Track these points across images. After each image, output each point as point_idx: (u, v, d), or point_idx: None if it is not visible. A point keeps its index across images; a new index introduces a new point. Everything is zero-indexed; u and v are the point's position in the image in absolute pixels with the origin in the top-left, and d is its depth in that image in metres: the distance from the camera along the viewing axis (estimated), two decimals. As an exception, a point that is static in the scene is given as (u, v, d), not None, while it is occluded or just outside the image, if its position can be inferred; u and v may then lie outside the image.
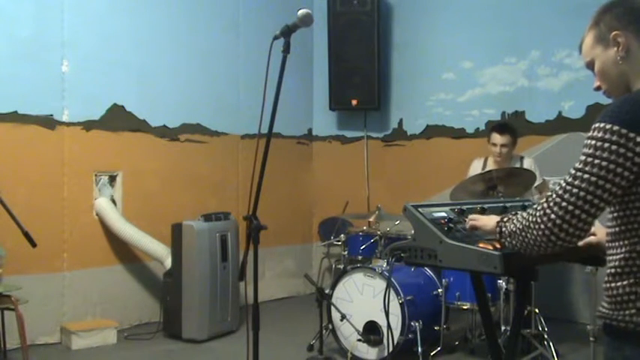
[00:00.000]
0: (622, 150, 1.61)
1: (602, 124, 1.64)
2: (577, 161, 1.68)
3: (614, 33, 1.78)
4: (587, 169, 1.64)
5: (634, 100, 1.67)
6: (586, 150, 1.66)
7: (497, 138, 4.91)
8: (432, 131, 6.56)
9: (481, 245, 2.03)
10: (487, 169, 5.03)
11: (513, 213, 1.95)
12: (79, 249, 5.30)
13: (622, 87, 1.78)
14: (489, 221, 1.98)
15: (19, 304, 3.98)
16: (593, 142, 1.65)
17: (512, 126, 5.13)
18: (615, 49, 1.78)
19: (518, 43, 6.00)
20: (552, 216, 1.67)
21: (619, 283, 1.71)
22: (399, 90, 6.80)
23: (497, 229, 1.90)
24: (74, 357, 4.86)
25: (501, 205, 2.49)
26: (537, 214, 1.71)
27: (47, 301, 5.07)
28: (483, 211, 2.37)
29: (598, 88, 1.87)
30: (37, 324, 4.90)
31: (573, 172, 1.67)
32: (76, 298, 5.27)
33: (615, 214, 1.72)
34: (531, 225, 1.72)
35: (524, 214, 1.78)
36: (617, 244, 1.72)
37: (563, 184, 1.68)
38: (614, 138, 1.61)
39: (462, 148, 6.23)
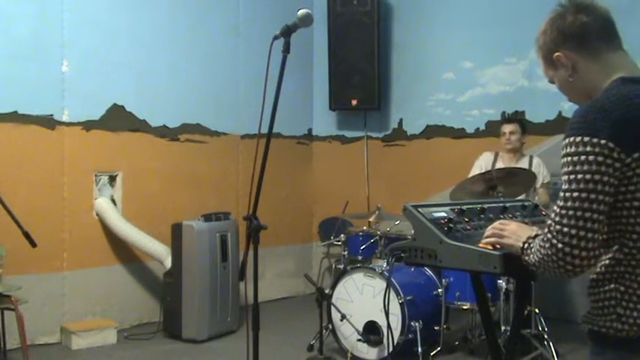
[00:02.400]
0: (600, 158, 1.59)
1: (572, 139, 1.64)
2: (563, 183, 1.65)
3: (555, 55, 1.80)
4: (573, 187, 1.62)
5: (595, 107, 1.65)
6: (565, 169, 1.64)
7: (505, 127, 5.19)
8: (432, 131, 6.56)
9: (481, 245, 2.03)
10: (498, 162, 5.09)
11: (533, 236, 1.79)
12: (79, 249, 5.30)
13: (586, 97, 1.78)
14: (516, 242, 1.84)
15: (19, 304, 3.98)
16: (569, 158, 1.63)
17: (519, 118, 5.51)
18: (563, 69, 1.80)
19: (518, 43, 6.00)
20: (559, 245, 1.62)
21: (600, 289, 1.71)
22: (399, 90, 6.80)
23: (523, 257, 1.79)
24: (74, 357, 4.86)
25: (501, 205, 2.49)
26: (546, 245, 1.65)
27: (47, 301, 5.07)
28: (483, 211, 2.37)
29: (570, 100, 1.90)
30: (37, 324, 4.90)
31: (562, 194, 1.64)
32: (76, 298, 5.27)
33: None
34: (545, 258, 1.66)
35: (538, 244, 1.70)
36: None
37: (558, 210, 1.64)
38: (588, 149, 1.60)
39: (462, 148, 6.23)
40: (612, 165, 1.59)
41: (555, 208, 1.66)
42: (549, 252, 1.64)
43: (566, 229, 1.61)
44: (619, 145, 1.59)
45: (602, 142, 1.59)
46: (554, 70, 1.84)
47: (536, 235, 1.77)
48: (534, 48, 1.89)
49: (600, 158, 1.59)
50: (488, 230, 1.99)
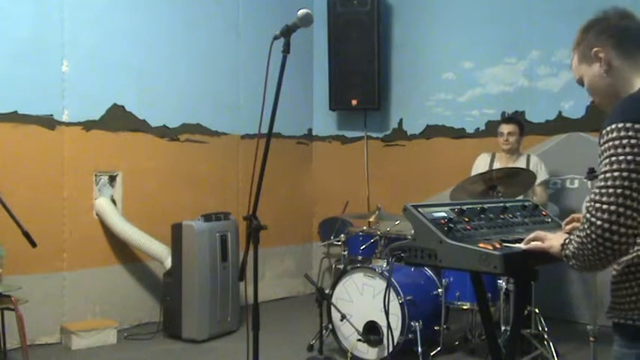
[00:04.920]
0: None
1: (612, 126, 1.68)
2: (602, 166, 1.69)
3: (594, 50, 1.87)
4: (614, 167, 1.66)
5: (634, 98, 1.74)
6: (606, 153, 1.68)
7: (504, 127, 5.16)
8: (432, 131, 6.56)
9: (481, 245, 2.03)
10: (496, 163, 5.10)
11: (574, 233, 1.81)
12: (79, 249, 5.30)
13: (612, 98, 1.84)
14: (556, 242, 1.87)
15: (19, 304, 3.98)
16: (610, 143, 1.68)
17: (518, 118, 5.51)
18: (598, 64, 1.87)
19: (518, 43, 6.00)
20: (598, 222, 1.65)
21: (632, 283, 1.72)
22: (399, 90, 6.80)
23: (563, 253, 1.81)
24: (74, 357, 4.86)
25: (501, 205, 2.49)
26: (585, 226, 1.68)
27: (47, 301, 5.07)
28: (483, 211, 2.37)
29: (593, 102, 1.96)
30: (37, 324, 4.89)
31: (602, 175, 1.68)
32: (76, 298, 5.27)
33: None
34: (584, 240, 1.68)
35: (576, 233, 1.73)
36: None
37: (597, 190, 1.68)
38: (630, 133, 1.65)
39: (462, 148, 6.23)
40: None
41: (595, 189, 1.70)
42: (588, 232, 1.67)
43: (605, 206, 1.65)
44: None
45: None
46: (589, 65, 1.90)
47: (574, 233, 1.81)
48: (572, 45, 1.95)
49: None
50: (532, 234, 2.03)
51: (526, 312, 4.52)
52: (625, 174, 1.64)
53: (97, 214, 5.43)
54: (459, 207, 2.34)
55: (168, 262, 5.30)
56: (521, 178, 4.70)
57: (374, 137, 6.95)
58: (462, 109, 6.36)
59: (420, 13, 6.63)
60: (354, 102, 6.66)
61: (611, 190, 1.65)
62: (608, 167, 1.67)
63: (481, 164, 5.21)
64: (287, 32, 2.73)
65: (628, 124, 1.66)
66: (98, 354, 4.90)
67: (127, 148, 5.64)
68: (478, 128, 6.26)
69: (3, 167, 4.87)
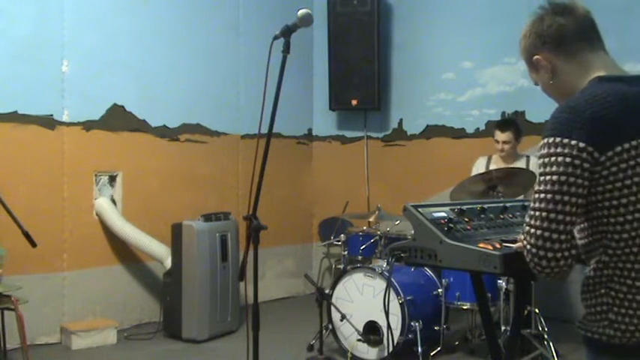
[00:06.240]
0: (568, 159, 1.59)
1: (544, 140, 1.64)
2: (535, 184, 1.67)
3: (535, 58, 1.83)
4: (541, 188, 1.62)
5: (568, 107, 1.66)
6: (539, 170, 1.65)
7: (499, 135, 5.00)
8: (432, 131, 6.56)
9: (481, 245, 2.03)
10: (492, 166, 5.07)
11: None
12: (79, 249, 5.30)
13: (567, 99, 1.77)
14: None
15: (19, 304, 3.98)
16: (541, 160, 1.64)
17: (515, 122, 5.24)
18: (543, 71, 1.82)
19: (518, 43, 5.99)
20: (528, 246, 1.64)
21: (592, 294, 1.69)
22: (399, 90, 6.80)
23: None
24: (74, 357, 4.86)
25: (501, 205, 2.49)
26: (523, 246, 1.69)
27: (47, 301, 5.07)
28: (483, 211, 2.37)
29: (557, 102, 1.89)
30: (37, 324, 4.90)
31: (533, 196, 1.65)
32: (76, 298, 5.27)
33: (581, 226, 1.70)
34: (526, 259, 1.68)
35: None
36: (587, 255, 1.71)
37: (529, 212, 1.66)
38: (559, 150, 1.60)
39: (462, 148, 6.23)
40: (581, 165, 1.59)
41: (528, 210, 1.68)
42: (524, 252, 1.67)
43: (532, 230, 1.63)
44: (591, 145, 1.58)
45: (573, 142, 1.59)
46: (537, 73, 1.86)
47: None
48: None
49: (568, 159, 1.59)
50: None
51: (526, 312, 4.52)
52: (549, 196, 1.60)
53: (97, 214, 5.43)
54: (459, 207, 2.33)
55: (168, 262, 5.30)
56: (522, 178, 4.69)
57: (374, 137, 6.95)
58: (462, 109, 6.36)
59: (420, 13, 6.63)
60: (354, 102, 6.66)
61: (537, 214, 1.62)
62: (537, 187, 1.64)
63: (479, 169, 5.17)
64: (287, 32, 2.74)
65: (557, 139, 1.60)
66: (98, 354, 4.90)
67: (127, 148, 5.64)
68: (478, 128, 6.26)
69: (3, 167, 4.87)
